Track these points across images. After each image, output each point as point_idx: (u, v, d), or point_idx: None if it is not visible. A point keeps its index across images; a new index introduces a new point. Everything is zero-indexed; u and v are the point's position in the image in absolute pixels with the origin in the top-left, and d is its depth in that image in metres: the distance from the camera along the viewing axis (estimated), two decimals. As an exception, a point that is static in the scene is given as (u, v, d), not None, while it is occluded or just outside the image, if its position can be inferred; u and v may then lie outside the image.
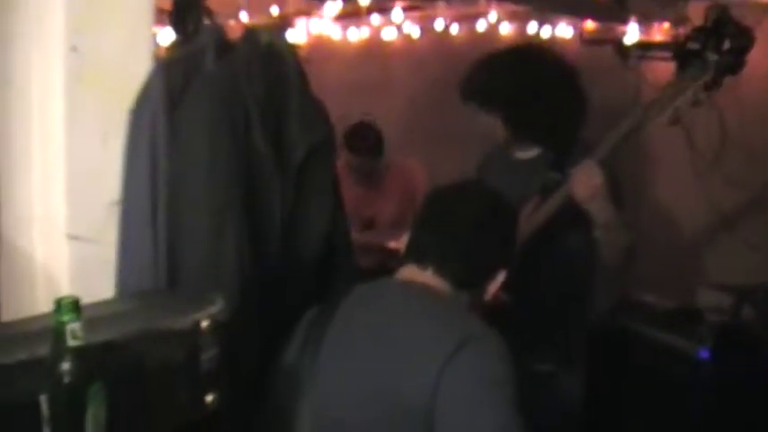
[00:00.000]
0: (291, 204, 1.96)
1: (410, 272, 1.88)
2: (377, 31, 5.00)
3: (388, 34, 4.98)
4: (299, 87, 2.00)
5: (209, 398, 1.49)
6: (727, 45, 3.51)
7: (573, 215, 2.58)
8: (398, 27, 4.89)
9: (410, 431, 1.63)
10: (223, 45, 1.90)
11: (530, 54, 2.80)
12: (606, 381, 3.28)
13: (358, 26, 5.01)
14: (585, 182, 2.44)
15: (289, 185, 1.94)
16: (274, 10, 3.77)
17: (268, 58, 1.92)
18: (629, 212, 2.73)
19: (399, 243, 3.80)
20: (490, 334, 1.71)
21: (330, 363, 1.76)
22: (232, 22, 2.62)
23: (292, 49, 2.04)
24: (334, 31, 5.05)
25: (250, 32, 1.93)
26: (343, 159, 4.06)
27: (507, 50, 2.84)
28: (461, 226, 1.87)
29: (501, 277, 1.90)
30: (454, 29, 4.79)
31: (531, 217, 2.62)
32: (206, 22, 1.95)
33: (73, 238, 1.74)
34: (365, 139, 4.13)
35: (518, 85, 2.67)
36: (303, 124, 1.98)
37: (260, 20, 3.47)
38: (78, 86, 1.75)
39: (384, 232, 4.12)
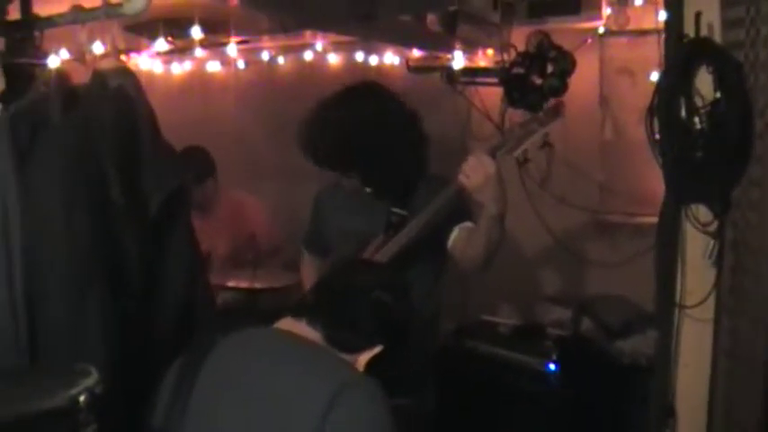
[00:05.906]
0: (150, 258, 1.86)
1: (284, 322, 1.88)
2: (201, 64, 4.86)
3: (213, 67, 4.86)
4: (151, 133, 1.91)
5: (91, 479, 1.37)
6: (550, 69, 3.70)
7: (431, 241, 2.60)
8: (222, 60, 4.77)
9: None
10: (68, 92, 1.79)
11: (372, 104, 2.66)
12: (458, 402, 3.33)
13: (180, 60, 4.84)
14: (479, 170, 2.43)
15: (147, 239, 1.84)
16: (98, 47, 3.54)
17: (118, 103, 1.81)
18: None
19: (240, 282, 3.75)
20: (366, 380, 1.72)
21: (201, 424, 1.67)
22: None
23: (142, 91, 1.93)
24: (155, 66, 4.85)
25: (98, 76, 1.82)
26: None
27: (346, 103, 2.65)
28: (348, 296, 1.89)
29: (375, 351, 1.88)
30: (281, 60, 4.74)
31: (377, 255, 2.62)
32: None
33: None
34: (192, 159, 3.89)
35: (370, 149, 2.60)
36: (156, 174, 1.89)
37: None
38: None
39: (224, 271, 3.99)
